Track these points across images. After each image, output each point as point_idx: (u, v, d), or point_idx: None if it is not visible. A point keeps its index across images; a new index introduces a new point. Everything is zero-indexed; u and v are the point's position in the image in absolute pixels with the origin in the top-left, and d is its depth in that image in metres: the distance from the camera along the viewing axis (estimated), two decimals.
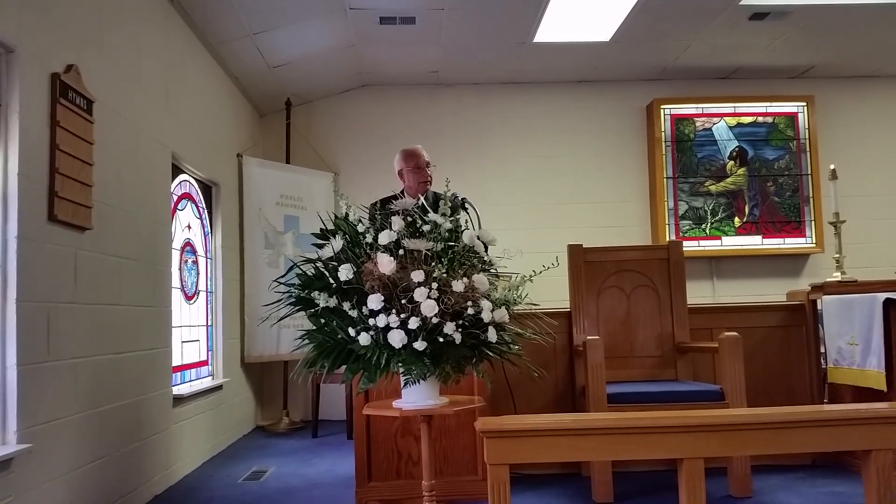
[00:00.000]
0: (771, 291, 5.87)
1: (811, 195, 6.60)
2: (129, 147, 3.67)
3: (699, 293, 6.08)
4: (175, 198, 4.55)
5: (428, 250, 2.57)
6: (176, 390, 4.27)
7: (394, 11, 5.15)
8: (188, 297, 4.78)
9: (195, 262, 4.93)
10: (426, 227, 2.62)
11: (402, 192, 3.94)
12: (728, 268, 6.61)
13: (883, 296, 3.50)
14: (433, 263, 2.55)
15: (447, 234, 2.64)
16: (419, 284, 2.45)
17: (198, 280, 4.98)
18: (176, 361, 4.40)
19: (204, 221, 5.16)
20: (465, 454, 3.45)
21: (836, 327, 3.87)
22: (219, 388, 5.04)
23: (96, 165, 3.19)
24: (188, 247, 4.80)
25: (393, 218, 2.63)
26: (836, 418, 2.21)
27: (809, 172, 6.62)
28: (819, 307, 4.09)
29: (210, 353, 5.18)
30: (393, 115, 6.63)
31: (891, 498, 2.13)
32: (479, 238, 2.70)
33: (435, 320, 2.43)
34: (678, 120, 6.69)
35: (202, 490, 3.93)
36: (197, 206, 5.05)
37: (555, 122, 6.73)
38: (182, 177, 4.72)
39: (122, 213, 3.53)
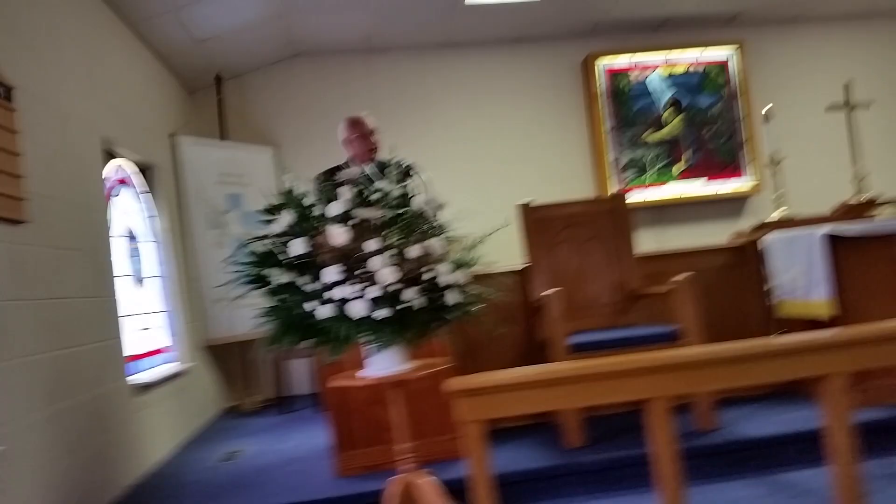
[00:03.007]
0: (716, 235, 6.01)
1: (746, 138, 6.77)
2: (57, 134, 3.50)
3: (648, 241, 6.19)
4: (110, 183, 4.38)
5: (379, 218, 2.55)
6: (139, 378, 4.17)
7: None
8: (138, 283, 4.63)
9: (137, 248, 4.78)
10: (375, 196, 2.59)
11: (346, 161, 3.88)
12: (673, 215, 6.75)
13: (821, 229, 3.63)
14: (385, 231, 2.52)
15: (396, 201, 2.61)
16: (374, 253, 2.43)
17: (141, 266, 4.83)
18: (136, 350, 4.29)
19: (145, 206, 4.99)
20: (438, 415, 3.45)
21: (781, 263, 4.02)
22: (182, 373, 4.94)
23: (24, 155, 3.04)
24: (129, 232, 4.64)
25: (341, 188, 2.59)
26: (788, 349, 2.29)
27: (743, 117, 6.78)
28: (762, 245, 4.22)
29: (175, 337, 5.06)
30: (329, 84, 6.50)
31: (846, 417, 2.23)
32: (427, 203, 2.69)
33: (393, 288, 2.42)
34: (613, 74, 6.75)
35: (177, 476, 3.88)
36: (136, 191, 4.88)
37: (493, 83, 6.71)
38: (116, 161, 4.54)
39: (56, 202, 3.38)
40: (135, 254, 4.69)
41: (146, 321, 4.69)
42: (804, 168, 6.50)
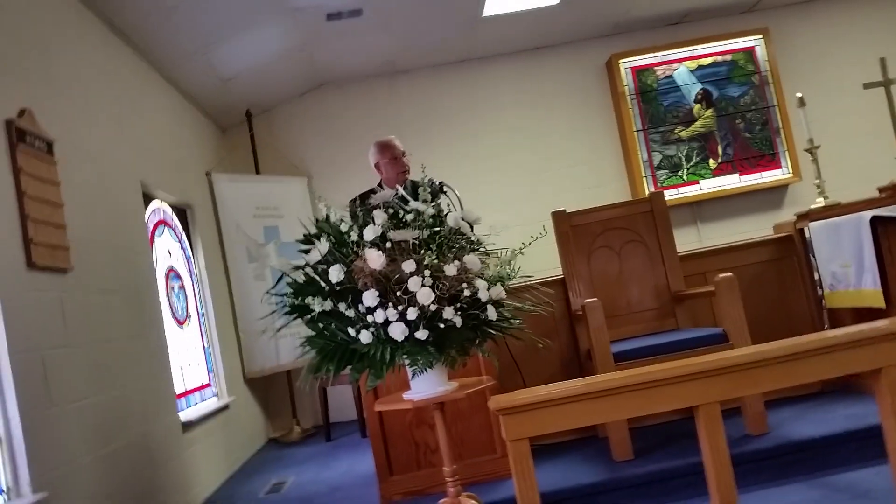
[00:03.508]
0: (757, 228, 5.89)
1: (781, 126, 6.63)
2: (96, 182, 3.60)
3: (686, 240, 6.10)
4: (151, 226, 4.49)
5: (415, 239, 2.55)
6: (183, 416, 4.24)
7: (339, 6, 5.08)
8: (180, 323, 4.73)
9: (182, 287, 4.88)
10: (409, 217, 2.60)
11: (379, 184, 3.91)
12: (710, 211, 6.64)
13: (868, 214, 3.52)
14: (422, 251, 2.53)
15: (431, 220, 2.62)
16: (411, 274, 2.44)
17: (187, 304, 4.93)
18: (178, 388, 4.36)
19: (184, 245, 5.10)
20: (481, 435, 3.45)
21: (827, 252, 3.90)
22: (225, 407, 5.00)
23: (66, 205, 3.14)
24: (172, 272, 4.74)
25: (375, 212, 2.61)
26: (841, 342, 2.22)
27: (776, 104, 6.64)
28: (807, 235, 4.11)
29: (211, 374, 5.14)
30: (355, 109, 6.57)
31: None
32: (463, 219, 2.69)
33: (433, 307, 2.42)
34: (639, 71, 6.69)
35: None
36: (175, 231, 4.98)
37: (518, 93, 6.70)
38: (155, 203, 4.65)
39: (100, 248, 3.47)
40: (178, 293, 4.79)
41: (190, 358, 4.77)
42: (844, 151, 6.33)
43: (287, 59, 5.81)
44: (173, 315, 4.61)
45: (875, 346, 2.19)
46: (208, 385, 5.06)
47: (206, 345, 5.15)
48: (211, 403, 4.91)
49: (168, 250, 4.77)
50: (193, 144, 5.60)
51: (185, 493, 3.95)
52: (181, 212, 5.18)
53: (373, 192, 3.68)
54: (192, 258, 5.20)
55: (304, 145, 6.55)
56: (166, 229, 4.82)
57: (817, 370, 2.23)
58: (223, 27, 4.83)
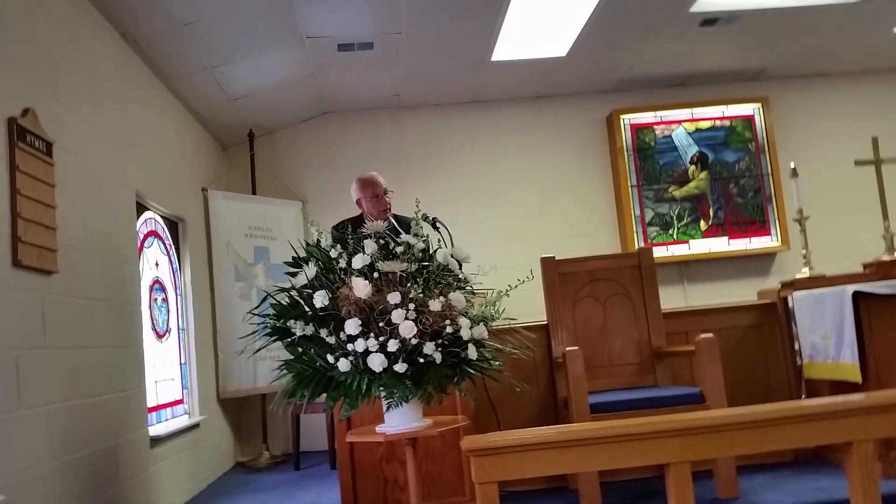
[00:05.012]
0: (741, 292, 5.93)
1: (773, 194, 6.73)
2: (91, 188, 3.61)
3: (671, 298, 6.14)
4: (141, 236, 4.49)
5: (402, 271, 2.57)
6: (152, 431, 4.18)
7: (351, 38, 5.17)
8: (159, 336, 4.69)
9: (165, 300, 4.85)
10: (399, 249, 2.62)
11: (361, 215, 3.91)
12: (698, 271, 6.69)
13: (851, 288, 3.57)
14: (409, 284, 2.54)
15: (420, 254, 2.64)
16: (396, 306, 2.45)
17: (168, 318, 4.90)
18: (151, 402, 4.30)
19: (172, 258, 5.09)
20: (451, 475, 3.42)
21: (809, 322, 3.94)
22: (195, 426, 4.94)
23: (59, 208, 3.14)
24: (157, 284, 4.72)
25: (365, 242, 2.62)
26: (815, 413, 2.24)
27: (770, 172, 6.75)
28: (790, 304, 4.15)
29: (185, 391, 5.08)
30: (357, 141, 6.63)
31: (874, 488, 2.15)
32: (452, 256, 2.71)
33: (414, 341, 2.42)
34: (638, 129, 6.80)
35: None
36: (164, 243, 4.98)
37: (518, 139, 6.79)
38: (147, 214, 4.66)
39: (87, 254, 3.46)
40: (161, 305, 4.76)
41: (164, 373, 4.73)
42: (832, 224, 6.43)
43: (294, 85, 5.88)
44: (153, 327, 4.58)
45: (848, 419, 2.20)
46: (181, 402, 5.00)
47: (182, 360, 5.10)
48: (182, 421, 4.85)
49: (156, 261, 4.75)
50: (193, 159, 5.63)
51: None
52: (173, 224, 5.18)
53: (357, 219, 3.70)
54: (178, 271, 5.19)
55: (303, 170, 6.58)
56: (156, 241, 4.81)
57: (790, 438, 2.24)
58: (235, 47, 4.90)
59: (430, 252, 2.67)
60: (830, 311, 3.72)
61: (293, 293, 2.61)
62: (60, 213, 3.15)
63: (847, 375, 3.59)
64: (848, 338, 3.59)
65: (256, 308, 2.73)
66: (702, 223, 6.73)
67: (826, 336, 3.76)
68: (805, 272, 4.31)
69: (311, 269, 2.58)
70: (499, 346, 2.77)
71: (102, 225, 3.71)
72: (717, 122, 6.83)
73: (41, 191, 3.01)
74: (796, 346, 4.09)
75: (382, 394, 2.51)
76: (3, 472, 2.58)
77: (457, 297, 2.56)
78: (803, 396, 4.07)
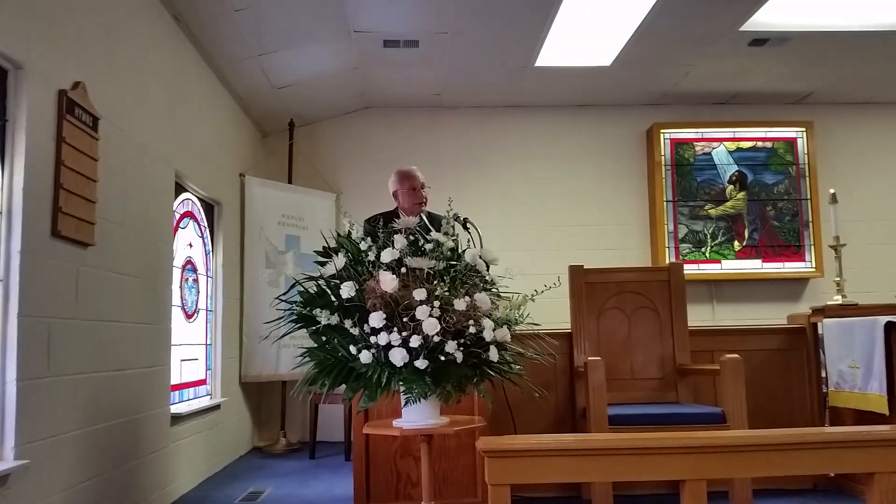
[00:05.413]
0: (771, 315, 5.85)
1: (811, 220, 6.62)
2: (133, 164, 3.69)
3: (699, 316, 6.07)
4: (177, 216, 4.56)
5: (430, 269, 2.58)
6: (174, 409, 4.25)
7: (398, 35, 5.20)
8: (188, 316, 4.77)
9: (196, 281, 4.93)
10: (429, 246, 2.63)
11: (395, 210, 3.94)
12: (728, 291, 6.61)
13: (884, 319, 3.50)
14: (435, 282, 2.55)
15: (449, 252, 2.65)
16: (421, 303, 2.46)
17: (198, 298, 4.98)
18: (174, 380, 4.38)
19: (205, 240, 5.17)
20: (464, 476, 3.42)
21: (837, 350, 3.87)
22: (216, 407, 5.01)
23: (100, 182, 3.21)
24: (189, 265, 4.80)
25: (396, 237, 2.64)
26: (838, 440, 2.19)
27: (809, 197, 6.65)
28: (820, 331, 4.08)
29: (209, 371, 5.16)
30: (395, 137, 6.67)
31: None
32: (481, 257, 2.71)
33: (437, 339, 2.43)
34: (678, 144, 6.73)
35: None
36: (199, 225, 5.06)
37: (556, 146, 6.77)
38: (185, 195, 4.74)
39: (124, 229, 3.54)
40: (191, 286, 4.84)
41: (190, 353, 4.80)
42: (869, 254, 6.31)
43: (338, 78, 5.93)
44: (182, 307, 4.66)
45: (872, 449, 2.16)
46: (203, 382, 5.07)
47: (208, 341, 5.18)
48: (203, 401, 4.92)
49: (189, 242, 4.83)
50: (232, 144, 5.71)
51: (162, 487, 3.95)
52: (209, 207, 5.26)
53: (390, 214, 3.72)
54: (210, 254, 5.26)
55: (340, 162, 6.64)
56: (191, 222, 4.90)
57: (811, 464, 2.20)
58: (284, 37, 4.96)
59: (459, 251, 2.67)
60: (861, 341, 3.66)
61: (321, 282, 2.63)
62: (101, 188, 3.22)
63: (874, 406, 3.53)
64: (877, 368, 3.52)
65: (284, 294, 2.77)
66: (736, 243, 6.64)
67: (854, 365, 3.70)
68: (837, 299, 4.23)
69: (340, 260, 2.60)
70: (521, 350, 2.76)
71: (141, 202, 3.78)
72: (759, 143, 6.74)
73: (84, 164, 3.08)
74: (823, 374, 4.02)
75: (401, 388, 2.52)
76: (27, 437, 2.65)
77: (482, 298, 2.57)
78: (827, 424, 4.00)
